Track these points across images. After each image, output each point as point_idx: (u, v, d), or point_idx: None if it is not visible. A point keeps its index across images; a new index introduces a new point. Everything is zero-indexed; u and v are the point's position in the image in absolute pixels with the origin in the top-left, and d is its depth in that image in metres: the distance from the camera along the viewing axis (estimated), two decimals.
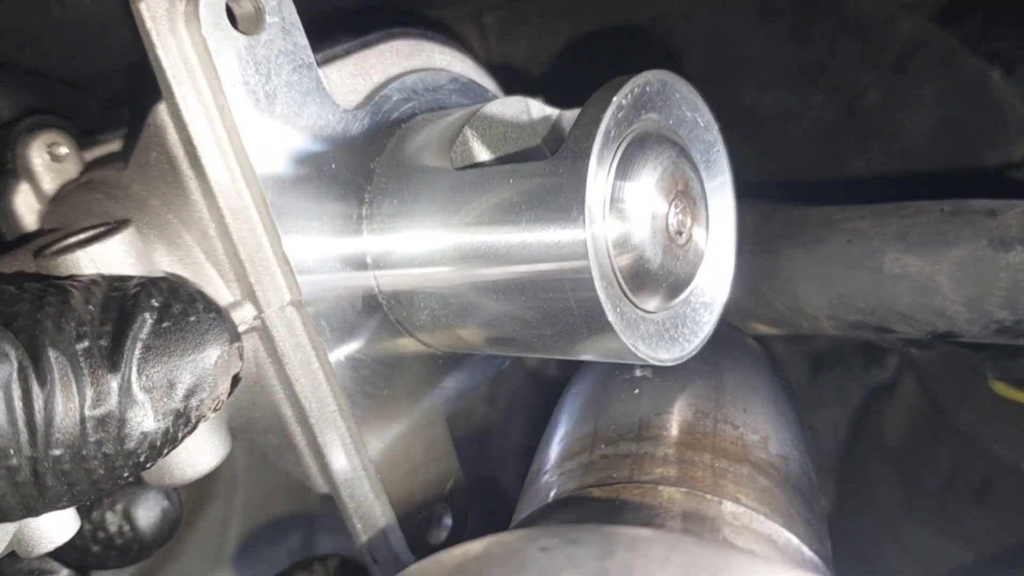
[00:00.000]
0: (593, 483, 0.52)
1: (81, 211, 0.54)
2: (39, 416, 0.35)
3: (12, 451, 0.35)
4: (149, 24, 0.45)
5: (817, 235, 0.63)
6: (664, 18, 0.80)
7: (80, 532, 0.47)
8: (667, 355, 0.49)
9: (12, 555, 0.46)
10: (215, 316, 0.42)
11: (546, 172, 0.45)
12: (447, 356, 0.60)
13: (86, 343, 0.37)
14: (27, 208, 0.60)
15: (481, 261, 0.48)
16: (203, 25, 0.45)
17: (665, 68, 0.49)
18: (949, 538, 0.88)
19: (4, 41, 0.58)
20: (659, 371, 0.58)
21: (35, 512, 0.37)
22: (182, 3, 0.45)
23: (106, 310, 0.39)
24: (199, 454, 0.48)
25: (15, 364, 0.35)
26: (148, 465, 0.40)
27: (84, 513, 0.53)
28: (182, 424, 0.40)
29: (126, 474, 0.39)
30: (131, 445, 0.38)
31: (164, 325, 0.40)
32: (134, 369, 0.38)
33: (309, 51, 0.50)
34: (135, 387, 0.38)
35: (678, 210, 0.48)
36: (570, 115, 0.56)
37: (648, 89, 0.47)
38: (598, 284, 0.44)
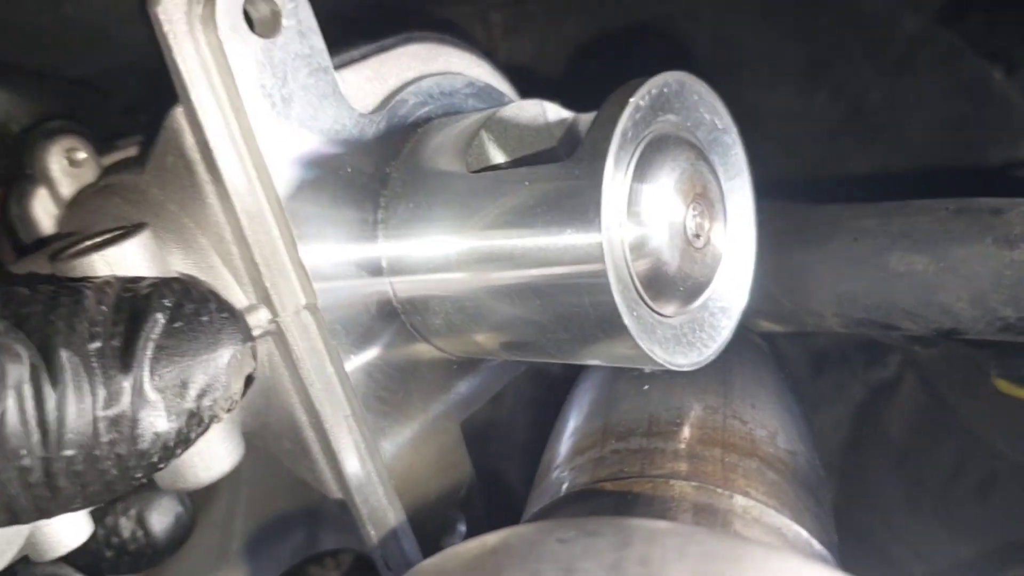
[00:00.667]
0: (605, 477, 0.53)
1: (98, 215, 0.54)
2: (51, 416, 0.35)
3: (24, 452, 0.34)
4: (166, 27, 0.45)
5: (823, 233, 0.64)
6: (669, 17, 0.81)
7: (93, 537, 0.47)
8: (684, 360, 0.48)
9: (25, 560, 0.46)
10: (228, 316, 0.42)
11: (562, 174, 0.45)
12: (462, 362, 0.59)
13: (98, 343, 0.37)
14: (45, 213, 0.60)
15: (497, 265, 0.48)
16: (220, 28, 0.45)
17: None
18: (951, 534, 0.87)
19: (16, 40, 0.58)
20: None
21: (48, 514, 0.37)
22: (199, 6, 0.45)
23: (118, 310, 0.39)
24: (213, 458, 0.48)
25: (27, 364, 0.35)
26: (161, 466, 0.40)
27: (97, 518, 0.53)
28: (195, 424, 0.40)
29: (139, 475, 0.39)
30: (144, 445, 0.38)
31: (176, 325, 0.39)
32: (146, 369, 0.38)
33: (326, 54, 0.50)
34: (147, 387, 0.38)
35: (696, 213, 0.47)
36: (587, 118, 0.55)
37: (666, 90, 0.47)
38: (614, 288, 0.43)
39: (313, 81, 0.50)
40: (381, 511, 0.54)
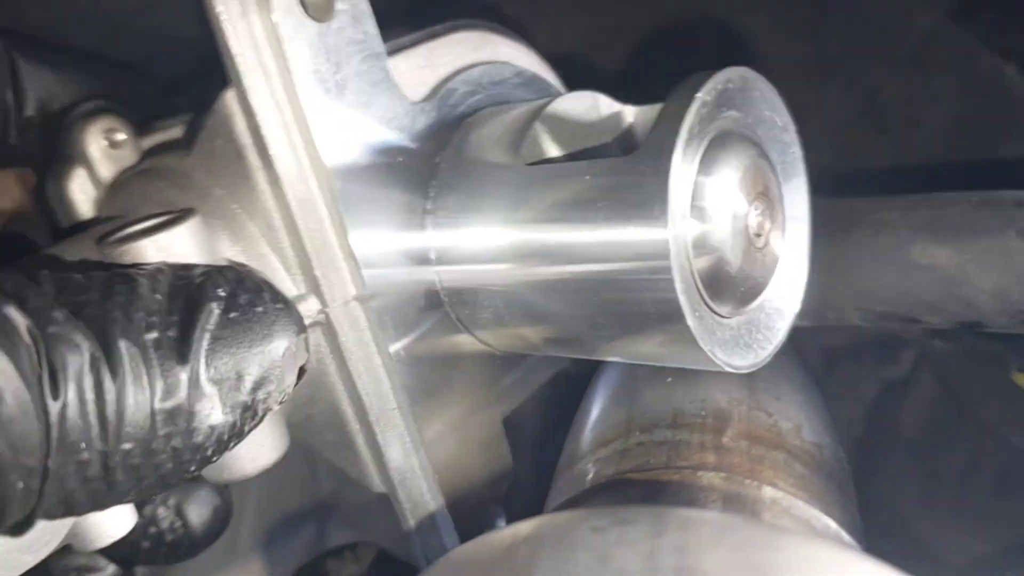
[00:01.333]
0: (631, 468, 0.53)
1: (142, 199, 0.53)
2: (111, 409, 0.34)
3: (83, 445, 0.33)
4: (219, 8, 0.44)
5: (844, 226, 0.63)
6: (681, 12, 0.80)
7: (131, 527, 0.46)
8: (742, 362, 0.47)
9: (64, 548, 0.45)
10: (282, 307, 0.41)
11: (626, 168, 0.43)
12: (505, 356, 0.58)
13: (155, 334, 0.36)
14: (83, 195, 0.59)
15: (551, 259, 0.47)
16: (275, 11, 0.44)
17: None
18: (967, 530, 0.87)
19: (59, 19, 0.57)
20: None
21: (102, 507, 0.36)
22: None
23: (173, 299, 0.38)
24: (259, 449, 0.47)
25: (87, 356, 0.34)
26: (214, 459, 0.39)
27: (136, 508, 0.52)
28: (249, 417, 0.39)
29: (193, 468, 0.38)
30: (199, 439, 0.37)
31: (232, 316, 0.38)
32: (202, 361, 0.37)
33: (379, 40, 0.49)
34: (203, 379, 0.37)
35: (758, 212, 0.46)
36: (639, 111, 0.54)
37: (730, 86, 0.46)
38: (679, 286, 0.42)
39: (366, 67, 0.48)
40: (423, 505, 0.53)
